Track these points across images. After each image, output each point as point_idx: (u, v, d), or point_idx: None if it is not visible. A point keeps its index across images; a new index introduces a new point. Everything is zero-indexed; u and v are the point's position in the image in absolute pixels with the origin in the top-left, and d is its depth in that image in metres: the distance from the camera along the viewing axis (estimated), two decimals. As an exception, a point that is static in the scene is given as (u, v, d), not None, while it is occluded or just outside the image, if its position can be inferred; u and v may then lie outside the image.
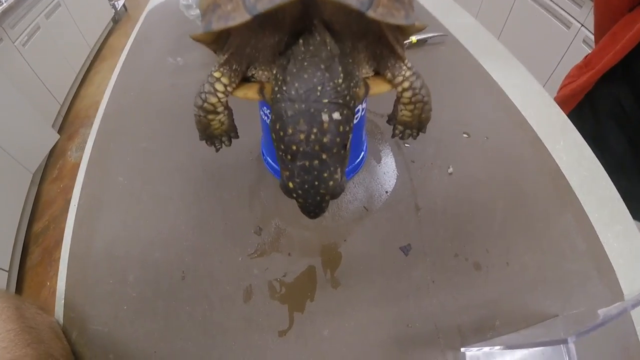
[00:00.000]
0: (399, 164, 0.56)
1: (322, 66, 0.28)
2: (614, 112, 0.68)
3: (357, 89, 0.32)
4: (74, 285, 0.48)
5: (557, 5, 1.51)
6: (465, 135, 0.58)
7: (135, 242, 0.51)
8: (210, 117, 0.36)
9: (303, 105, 0.27)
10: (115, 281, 0.48)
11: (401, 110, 0.37)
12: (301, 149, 0.27)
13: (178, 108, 0.69)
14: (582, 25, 1.40)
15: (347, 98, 0.29)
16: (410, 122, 0.38)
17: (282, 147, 0.28)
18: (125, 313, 0.45)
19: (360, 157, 0.54)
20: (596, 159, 0.54)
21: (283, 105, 0.28)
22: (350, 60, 0.32)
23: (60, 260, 0.51)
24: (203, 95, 0.34)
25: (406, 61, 0.34)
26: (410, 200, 0.52)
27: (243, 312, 0.44)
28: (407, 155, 0.57)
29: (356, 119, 0.44)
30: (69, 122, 2.33)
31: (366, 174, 0.55)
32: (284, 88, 0.28)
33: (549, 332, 0.39)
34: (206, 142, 0.41)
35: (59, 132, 2.13)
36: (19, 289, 1.60)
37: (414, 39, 0.75)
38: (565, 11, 1.48)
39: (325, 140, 0.27)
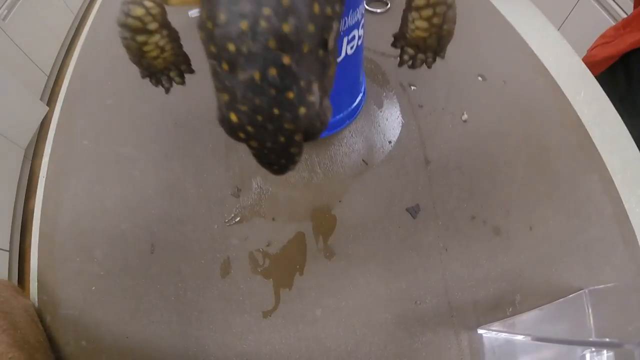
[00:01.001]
0: (404, 109, 0.51)
1: None
2: None
3: None
4: (45, 266, 0.46)
5: None
6: (480, 79, 0.53)
7: (101, 214, 0.48)
8: (141, 38, 0.27)
9: None
10: (83, 259, 0.45)
11: (414, 21, 0.27)
12: (244, 49, 0.16)
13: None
14: None
15: None
16: (425, 39, 0.29)
17: (214, 49, 0.17)
18: (94, 294, 0.42)
19: (358, 100, 0.48)
20: (618, 115, 0.51)
21: None
22: None
23: (32, 240, 0.49)
24: (125, 7, 0.25)
25: None
26: (418, 151, 0.47)
27: (220, 289, 0.41)
28: (414, 99, 0.52)
29: (351, 48, 0.35)
30: (57, 92, 2.28)
31: (365, 121, 0.50)
32: None
33: (574, 310, 0.36)
34: (150, 80, 0.33)
35: (48, 103, 2.13)
36: (20, 269, 1.61)
37: None
38: None
39: (286, 28, 0.16)
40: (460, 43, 0.55)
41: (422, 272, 0.40)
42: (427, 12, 0.26)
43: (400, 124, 0.50)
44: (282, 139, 0.19)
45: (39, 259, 0.46)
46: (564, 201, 0.43)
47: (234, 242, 0.43)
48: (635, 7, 0.70)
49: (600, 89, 0.54)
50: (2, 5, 1.89)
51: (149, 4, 0.25)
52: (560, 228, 0.41)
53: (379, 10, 0.60)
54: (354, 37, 0.35)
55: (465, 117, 0.49)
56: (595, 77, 0.56)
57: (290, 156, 0.20)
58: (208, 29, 0.17)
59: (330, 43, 0.18)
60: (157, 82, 0.33)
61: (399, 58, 0.32)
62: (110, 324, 0.41)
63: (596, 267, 0.39)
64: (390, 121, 0.50)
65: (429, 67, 0.31)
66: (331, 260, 0.41)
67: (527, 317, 0.36)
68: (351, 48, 0.35)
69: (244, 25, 0.16)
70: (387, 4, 0.61)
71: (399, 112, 0.51)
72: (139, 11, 0.25)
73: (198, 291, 0.41)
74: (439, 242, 0.41)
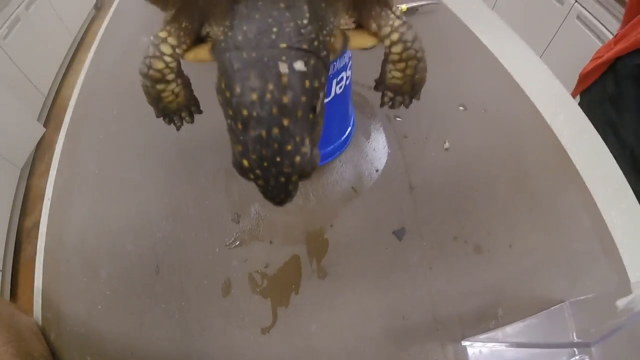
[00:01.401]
0: (390, 139, 0.53)
1: (282, 5, 0.23)
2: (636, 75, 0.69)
3: (331, 38, 0.26)
4: (50, 284, 0.47)
5: None
6: (461, 108, 0.56)
7: (107, 235, 0.49)
8: (159, 87, 0.30)
9: (254, 54, 0.21)
10: (88, 278, 0.46)
11: (390, 71, 0.31)
12: (254, 114, 0.21)
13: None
14: (576, 1, 1.37)
15: (315, 44, 0.23)
16: (401, 86, 0.33)
17: (231, 112, 0.22)
18: (100, 312, 0.43)
19: (347, 132, 0.50)
20: (597, 133, 0.53)
21: (228, 55, 0.22)
22: (324, 5, 0.26)
23: (36, 258, 0.49)
24: (147, 61, 0.28)
25: (394, 8, 0.28)
26: (403, 178, 0.49)
27: (222, 307, 0.42)
28: (399, 130, 0.54)
29: (340, 88, 0.39)
30: (54, 113, 2.28)
31: (354, 151, 0.52)
32: (229, 34, 0.23)
33: (556, 321, 0.38)
34: (163, 119, 0.36)
35: (44, 124, 2.09)
36: (13, 287, 1.58)
37: (404, 6, 0.71)
38: None
39: (285, 100, 0.21)
40: (442, 74, 0.58)
41: (409, 289, 0.41)
42: (401, 65, 0.30)
43: (387, 153, 0.51)
44: (282, 179, 0.23)
45: (43, 276, 0.47)
46: (544, 218, 0.44)
47: (234, 264, 0.44)
48: (624, 24, 0.73)
49: (580, 110, 0.56)
50: (3, 25, 1.89)
51: (168, 59, 0.28)
52: (540, 244, 0.43)
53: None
54: (342, 79, 0.38)
55: (447, 145, 0.51)
56: (587, 86, 0.59)
57: (289, 192, 0.24)
58: (226, 97, 0.22)
59: (318, 107, 0.23)
60: (170, 121, 0.36)
61: (380, 100, 0.35)
62: (115, 339, 0.41)
63: (577, 279, 0.40)
64: (377, 151, 0.52)
65: (407, 107, 0.35)
66: (324, 280, 0.42)
67: (510, 329, 0.37)
68: (340, 88, 0.39)
69: (254, 96, 0.21)
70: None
71: (385, 142, 0.52)
72: (159, 65, 0.28)
73: (201, 309, 0.42)
74: (423, 261, 0.42)
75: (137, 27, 0.84)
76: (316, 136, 0.24)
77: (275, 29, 0.22)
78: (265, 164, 0.22)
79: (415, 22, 0.71)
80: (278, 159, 0.22)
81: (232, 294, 0.42)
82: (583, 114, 0.55)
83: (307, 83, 0.22)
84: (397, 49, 0.28)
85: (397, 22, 0.28)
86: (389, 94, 0.34)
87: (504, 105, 0.56)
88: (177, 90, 0.31)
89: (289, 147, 0.22)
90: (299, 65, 0.22)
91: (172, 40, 0.28)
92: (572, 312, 0.36)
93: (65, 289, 0.45)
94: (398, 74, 0.31)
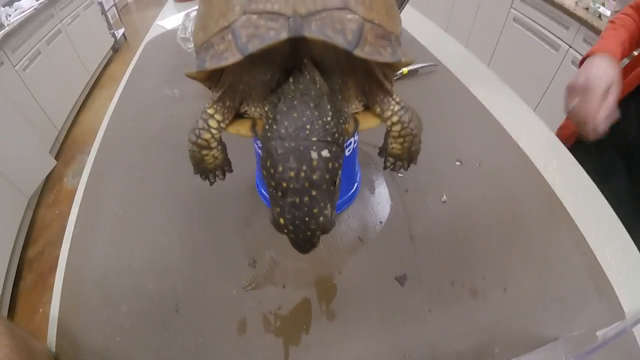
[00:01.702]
0: (392, 193, 0.57)
1: (312, 104, 0.29)
2: (617, 144, 0.70)
3: (347, 125, 0.33)
4: (67, 314, 0.48)
5: (545, 28, 1.56)
6: (457, 163, 0.59)
7: (129, 272, 0.51)
8: (204, 152, 0.36)
9: (292, 144, 0.28)
10: (108, 311, 0.47)
11: (391, 144, 0.38)
12: (291, 186, 0.28)
13: (174, 138, 0.70)
14: (570, 46, 1.44)
15: (336, 135, 0.30)
16: (400, 155, 0.39)
17: (273, 184, 0.28)
18: (118, 344, 0.44)
19: (354, 188, 0.54)
20: (589, 178, 0.55)
21: (273, 143, 0.28)
22: (340, 97, 0.33)
23: (54, 289, 0.51)
24: (197, 132, 0.35)
25: (394, 95, 0.35)
26: (405, 229, 0.52)
27: (237, 345, 0.43)
28: (401, 185, 0.58)
29: (348, 151, 0.44)
30: (66, 148, 2.33)
31: (360, 204, 0.56)
32: (274, 126, 0.29)
33: (550, 356, 0.38)
34: (200, 176, 0.41)
35: (56, 157, 2.12)
36: (10, 315, 1.57)
37: (405, 70, 0.77)
38: (553, 33, 1.52)
39: (314, 177, 0.28)
40: (440, 131, 0.63)
41: (410, 330, 0.42)
42: (400, 140, 0.37)
43: (389, 206, 0.55)
44: (308, 233, 0.29)
45: (60, 307, 0.48)
46: (537, 262, 0.47)
47: (250, 305, 0.46)
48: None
49: (572, 157, 0.58)
50: (24, 57, 1.95)
51: (214, 131, 0.35)
52: (533, 286, 0.45)
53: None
54: (350, 143, 0.44)
55: (444, 198, 0.54)
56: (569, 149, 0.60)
57: (313, 243, 0.30)
58: (270, 172, 0.28)
59: (337, 181, 0.29)
60: (206, 178, 0.42)
61: (383, 164, 0.42)
62: None
63: (571, 317, 0.42)
64: (381, 204, 0.55)
65: (405, 170, 0.41)
66: (332, 322, 0.44)
67: None
68: (348, 151, 0.45)
69: (292, 174, 0.28)
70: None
71: (388, 196, 0.56)
72: (207, 135, 0.35)
73: (217, 346, 0.43)
74: (423, 305, 0.44)
75: (159, 79, 0.88)
76: (334, 202, 0.30)
77: (308, 126, 0.29)
78: (297, 222, 0.28)
79: (415, 83, 0.78)
80: (307, 219, 0.28)
81: (247, 332, 0.44)
82: (574, 160, 0.58)
83: (330, 165, 0.28)
84: (397, 127, 0.35)
85: (397, 107, 0.34)
86: (391, 159, 0.41)
87: (498, 158, 0.59)
88: (217, 154, 0.37)
89: (315, 210, 0.28)
90: (325, 153, 0.28)
91: (218, 117, 0.34)
92: (566, 348, 0.38)
93: (84, 319, 0.47)
94: (398, 146, 0.38)
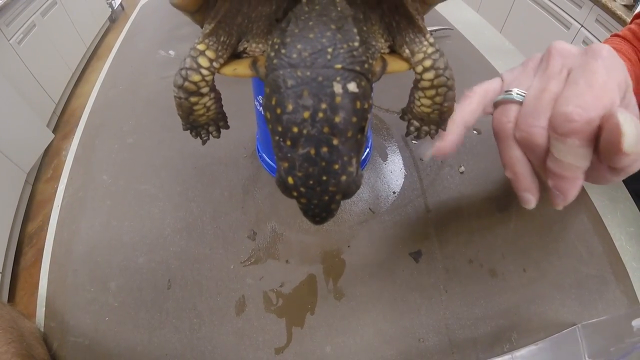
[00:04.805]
0: (406, 162, 0.53)
1: (333, 26, 0.23)
2: None
3: (374, 62, 0.26)
4: (55, 293, 0.45)
5: (557, 5, 1.54)
6: (475, 132, 0.56)
7: (118, 247, 0.48)
8: (193, 99, 0.30)
9: (308, 72, 0.21)
10: (97, 289, 0.45)
11: (419, 99, 0.31)
12: (305, 132, 0.21)
13: (168, 101, 0.64)
14: (582, 25, 1.41)
15: (366, 66, 0.23)
16: (428, 115, 0.32)
17: (280, 129, 0.22)
18: (107, 324, 0.42)
19: (366, 153, 0.50)
20: None
21: (281, 72, 0.22)
22: (365, 29, 0.26)
23: (42, 266, 0.49)
24: (184, 72, 0.28)
25: (427, 35, 0.28)
26: (420, 201, 0.49)
27: (235, 326, 0.41)
28: (416, 153, 0.54)
29: None
30: (64, 121, 2.32)
31: (371, 172, 0.52)
32: (283, 51, 0.23)
33: (568, 344, 0.37)
34: (190, 132, 0.35)
35: (53, 131, 2.13)
36: (12, 291, 1.58)
37: None
38: (565, 11, 1.50)
39: (337, 119, 0.21)
40: (457, 98, 0.59)
41: (425, 311, 0.40)
42: (431, 92, 0.29)
43: (403, 176, 0.51)
44: (326, 198, 0.23)
45: (48, 285, 0.46)
46: (556, 243, 0.44)
47: (249, 282, 0.43)
48: None
49: None
50: (19, 30, 1.94)
51: (205, 72, 0.28)
52: (552, 268, 0.42)
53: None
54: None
55: (462, 169, 0.51)
56: None
57: (331, 211, 0.24)
58: (276, 113, 0.21)
59: (366, 129, 0.23)
60: (197, 135, 0.35)
61: (406, 129, 0.35)
62: (122, 354, 0.40)
63: (589, 303, 0.40)
64: (394, 173, 0.51)
65: (432, 138, 0.34)
66: (340, 301, 0.42)
67: (523, 352, 0.37)
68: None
69: (306, 114, 0.21)
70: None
71: (402, 165, 0.52)
72: (196, 77, 0.28)
73: (213, 327, 0.41)
74: (439, 284, 0.42)
75: (154, 41, 0.84)
76: (360, 157, 0.24)
77: (330, 49, 0.22)
78: (311, 182, 0.22)
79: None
80: (324, 178, 0.22)
81: (246, 312, 0.41)
82: None
83: (358, 104, 0.22)
84: (429, 75, 0.28)
85: (431, 49, 0.28)
86: (415, 123, 0.34)
87: (517, 129, 0.56)
88: (209, 104, 0.31)
89: (336, 166, 0.22)
90: (352, 87, 0.21)
91: (210, 54, 0.28)
92: (584, 334, 0.36)
93: (72, 299, 0.44)
94: (427, 102, 0.30)
